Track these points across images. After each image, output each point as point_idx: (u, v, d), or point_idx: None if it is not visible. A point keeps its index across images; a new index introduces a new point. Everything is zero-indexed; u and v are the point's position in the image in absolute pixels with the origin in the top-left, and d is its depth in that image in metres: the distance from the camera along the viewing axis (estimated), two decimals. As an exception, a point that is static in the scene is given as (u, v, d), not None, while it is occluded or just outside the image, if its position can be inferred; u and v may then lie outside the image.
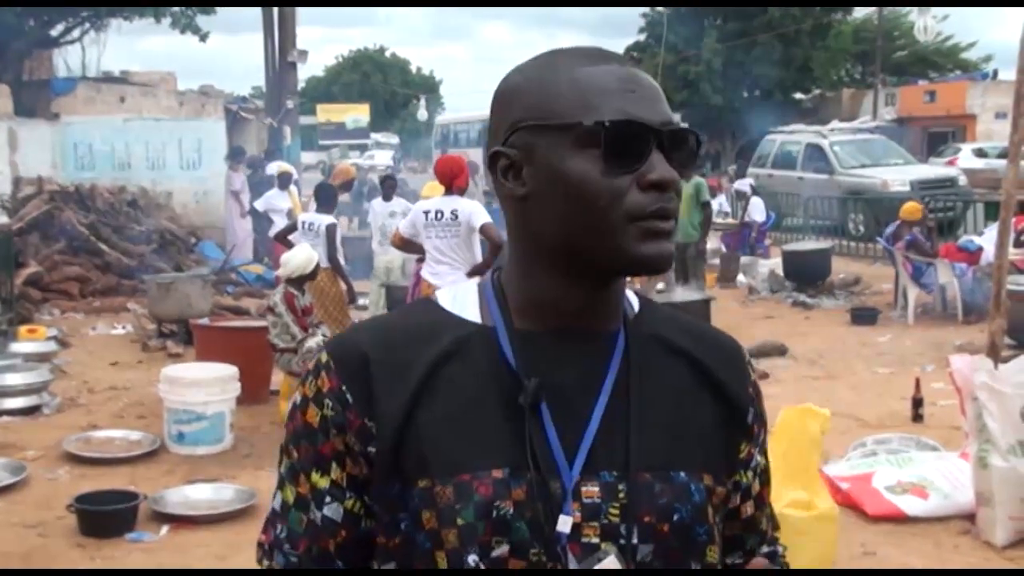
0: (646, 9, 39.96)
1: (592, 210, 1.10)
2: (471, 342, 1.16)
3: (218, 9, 20.54)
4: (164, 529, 5.15)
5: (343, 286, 8.27)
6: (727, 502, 1.23)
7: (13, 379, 7.45)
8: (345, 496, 1.16)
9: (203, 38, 20.54)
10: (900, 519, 5.16)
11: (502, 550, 1.08)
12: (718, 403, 1.21)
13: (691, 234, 11.70)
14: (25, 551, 4.89)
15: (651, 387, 1.17)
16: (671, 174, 1.10)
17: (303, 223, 8.63)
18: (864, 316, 10.93)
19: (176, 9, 19.72)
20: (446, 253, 6.90)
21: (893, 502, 5.23)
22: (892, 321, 10.86)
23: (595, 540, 1.10)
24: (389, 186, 11.08)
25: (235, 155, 16.20)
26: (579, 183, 1.10)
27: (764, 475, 1.30)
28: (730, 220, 16.35)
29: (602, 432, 1.13)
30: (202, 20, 20.34)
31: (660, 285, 12.17)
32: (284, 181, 13.48)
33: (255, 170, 16.02)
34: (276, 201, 13.02)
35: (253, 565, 1.22)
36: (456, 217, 6.84)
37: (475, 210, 6.88)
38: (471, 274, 6.73)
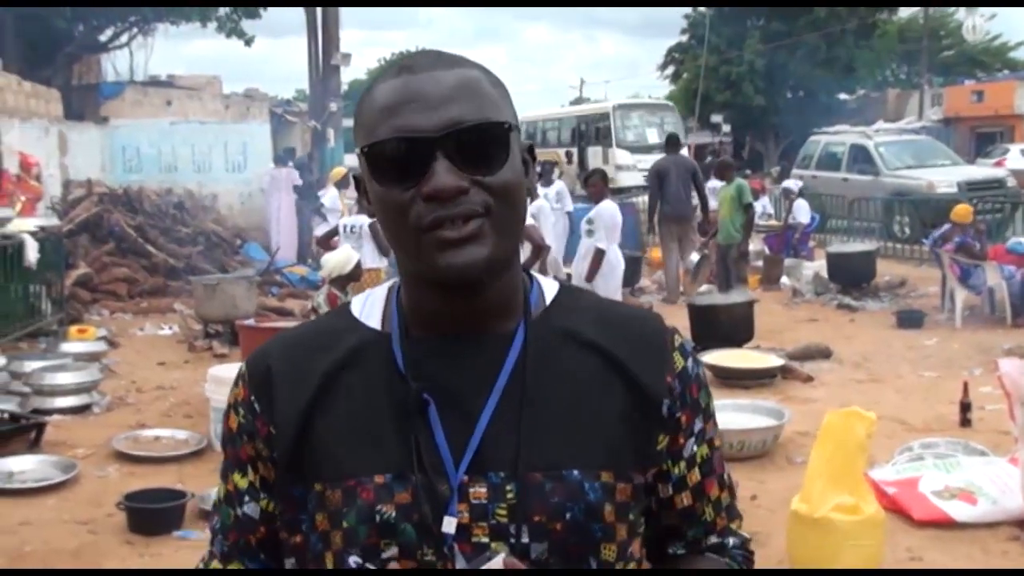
0: (688, 10, 39.80)
1: (391, 227, 1.14)
2: (368, 350, 1.19)
3: (263, 13, 20.76)
4: (211, 527, 5.21)
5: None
6: (640, 499, 1.20)
7: (64, 378, 7.57)
8: (260, 496, 1.24)
9: (248, 42, 20.77)
10: (948, 525, 5.09)
11: (391, 552, 1.11)
12: (630, 394, 1.19)
13: (733, 236, 11.67)
14: (76, 547, 4.98)
15: (549, 385, 1.16)
16: (443, 182, 1.08)
17: (344, 226, 8.70)
18: (910, 319, 10.80)
19: (222, 13, 19.95)
20: None
21: (940, 507, 5.17)
22: (939, 324, 10.72)
23: (485, 539, 1.11)
24: None
25: (287, 156, 16.57)
26: (377, 203, 1.14)
27: (706, 465, 1.27)
28: (773, 222, 16.20)
29: (492, 433, 1.13)
30: (247, 24, 20.58)
31: (704, 287, 12.11)
32: (344, 183, 13.97)
33: (300, 172, 16.21)
34: (338, 202, 13.36)
35: None
36: None
37: None
38: None
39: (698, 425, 1.25)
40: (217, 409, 6.52)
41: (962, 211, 11.21)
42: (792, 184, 16.01)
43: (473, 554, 1.11)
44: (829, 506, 4.37)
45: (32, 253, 9.53)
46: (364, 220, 8.58)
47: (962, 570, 4.69)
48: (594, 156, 26.03)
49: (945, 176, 18.48)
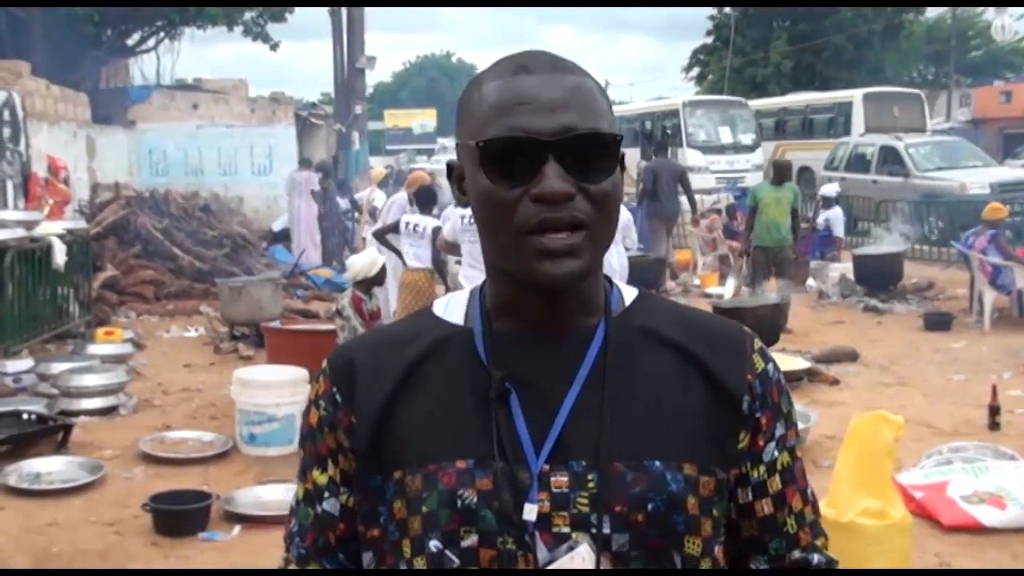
0: (714, 11, 39.63)
1: (492, 223, 1.15)
2: (449, 343, 1.22)
3: (288, 17, 20.86)
4: (236, 529, 5.23)
5: (441, 287, 8.40)
6: (724, 495, 1.20)
7: (91, 380, 7.62)
8: (340, 491, 1.24)
9: (274, 47, 20.86)
10: (976, 529, 5.04)
11: (471, 540, 1.11)
12: (710, 392, 1.20)
13: (786, 238, 11.25)
14: (102, 548, 5.01)
15: (631, 378, 1.18)
16: (555, 187, 1.10)
17: (407, 224, 8.64)
18: (938, 321, 10.71)
19: (248, 17, 20.06)
20: (478, 258, 6.89)
21: (969, 512, 5.12)
22: (967, 327, 10.62)
23: (565, 529, 1.11)
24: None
25: (304, 164, 16.70)
26: (481, 198, 1.15)
27: (787, 473, 1.26)
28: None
29: (573, 422, 1.14)
30: (272, 29, 20.69)
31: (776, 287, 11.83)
32: (384, 183, 14.29)
33: (326, 175, 16.29)
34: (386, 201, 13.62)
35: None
36: None
37: None
38: None
39: (779, 430, 1.25)
40: (242, 411, 6.55)
41: (993, 209, 11.14)
42: (831, 190, 15.78)
43: (553, 543, 1.11)
44: (856, 511, 4.33)
45: (60, 256, 9.61)
46: (430, 223, 8.41)
47: (983, 570, 4.63)
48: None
49: (977, 177, 18.23)
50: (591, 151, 1.13)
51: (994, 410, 6.82)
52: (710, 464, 1.18)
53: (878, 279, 12.61)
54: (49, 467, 6.12)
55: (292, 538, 1.28)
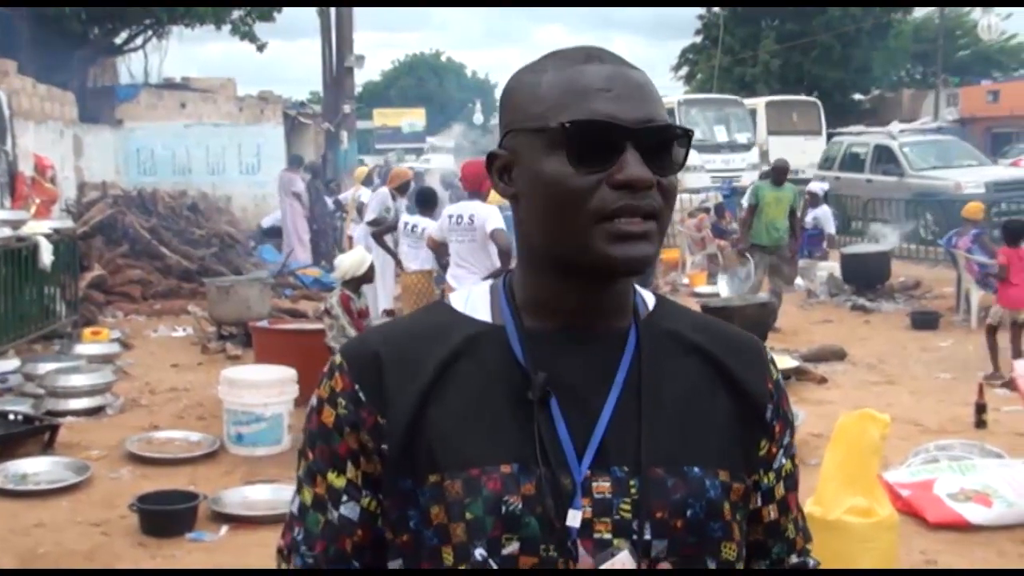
0: (703, 11, 39.67)
1: (561, 209, 1.11)
2: (481, 340, 1.17)
3: (276, 16, 20.80)
4: (223, 529, 5.22)
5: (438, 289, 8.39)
6: (748, 501, 1.21)
7: (78, 380, 7.59)
8: (361, 495, 1.17)
9: (260, 48, 20.79)
10: (963, 527, 5.07)
11: (513, 547, 1.08)
12: (734, 399, 1.20)
13: (784, 238, 11.24)
14: (89, 549, 4.99)
15: (664, 383, 1.17)
16: (640, 173, 1.09)
17: (406, 224, 8.62)
18: (925, 320, 10.75)
19: (236, 16, 19.99)
20: (465, 258, 6.92)
21: (955, 510, 5.14)
22: (954, 326, 10.67)
23: (607, 536, 1.09)
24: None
25: (294, 162, 16.61)
26: (550, 183, 1.12)
27: (790, 480, 1.28)
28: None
29: (614, 427, 1.13)
30: (260, 28, 20.62)
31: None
32: (368, 180, 14.42)
33: (314, 175, 16.25)
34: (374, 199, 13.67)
35: None
36: (472, 222, 6.85)
37: (490, 215, 6.82)
38: (487, 280, 6.69)
39: (787, 438, 1.27)
40: (230, 411, 6.53)
41: (973, 208, 11.19)
42: (817, 187, 15.77)
43: (594, 550, 1.09)
44: (843, 508, 4.34)
45: (46, 255, 9.57)
46: (430, 224, 8.35)
47: (973, 570, 4.65)
48: None
49: (972, 176, 18.19)
50: (665, 144, 1.13)
51: (980, 408, 6.85)
52: (739, 471, 1.18)
53: (866, 278, 12.65)
54: (35, 468, 6.09)
55: (296, 547, 1.19)
